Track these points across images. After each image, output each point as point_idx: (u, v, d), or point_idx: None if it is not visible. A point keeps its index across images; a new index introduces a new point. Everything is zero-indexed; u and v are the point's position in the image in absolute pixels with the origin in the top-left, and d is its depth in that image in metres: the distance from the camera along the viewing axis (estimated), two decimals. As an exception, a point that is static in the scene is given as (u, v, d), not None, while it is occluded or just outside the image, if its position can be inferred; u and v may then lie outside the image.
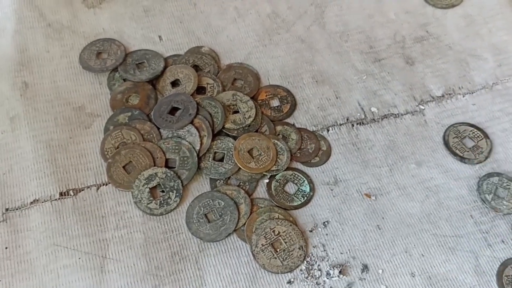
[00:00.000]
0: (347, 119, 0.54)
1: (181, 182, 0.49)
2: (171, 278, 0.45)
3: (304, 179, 0.50)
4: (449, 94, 0.56)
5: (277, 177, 0.50)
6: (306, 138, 0.53)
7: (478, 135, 0.54)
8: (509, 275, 0.46)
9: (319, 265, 0.46)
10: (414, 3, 0.63)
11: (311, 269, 0.46)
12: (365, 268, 0.46)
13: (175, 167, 0.49)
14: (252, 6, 0.61)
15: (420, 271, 0.46)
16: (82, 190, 0.48)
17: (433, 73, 0.58)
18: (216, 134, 0.51)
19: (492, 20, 0.62)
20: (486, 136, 0.54)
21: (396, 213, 0.49)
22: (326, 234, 0.48)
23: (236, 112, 0.53)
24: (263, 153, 0.50)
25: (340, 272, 0.46)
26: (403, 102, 0.56)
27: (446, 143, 0.53)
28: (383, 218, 0.49)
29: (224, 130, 0.52)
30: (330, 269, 0.46)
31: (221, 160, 0.50)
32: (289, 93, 0.56)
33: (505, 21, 0.61)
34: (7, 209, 0.47)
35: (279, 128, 0.53)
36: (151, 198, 0.48)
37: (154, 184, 0.48)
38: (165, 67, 0.55)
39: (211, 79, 0.55)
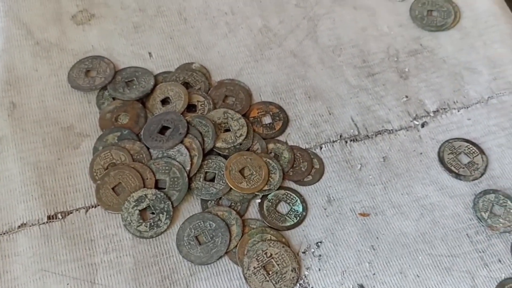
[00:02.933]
0: (340, 136, 0.53)
1: (172, 203, 0.48)
2: (161, 303, 0.44)
3: (297, 198, 0.49)
4: (444, 109, 0.56)
5: (269, 196, 0.49)
6: (298, 156, 0.52)
7: (473, 150, 0.53)
8: (506, 296, 0.45)
9: (312, 287, 0.45)
10: (407, 16, 0.62)
11: (304, 292, 0.45)
12: (359, 290, 0.45)
13: (165, 188, 0.49)
14: (243, 21, 0.61)
15: (416, 293, 0.45)
16: (71, 213, 0.48)
17: (427, 87, 0.57)
18: (207, 154, 0.51)
19: (486, 32, 0.61)
20: (481, 151, 0.53)
21: (391, 233, 0.48)
22: (320, 255, 0.47)
23: (228, 130, 0.52)
24: (255, 173, 0.50)
25: (334, 294, 0.45)
26: (397, 117, 0.55)
27: (441, 160, 0.52)
28: (377, 238, 0.48)
29: (215, 149, 0.51)
30: (324, 291, 0.45)
31: (212, 180, 0.49)
32: (281, 109, 0.55)
33: (500, 33, 0.61)
34: (-6, 234, 0.46)
35: (271, 146, 0.52)
36: (141, 221, 0.47)
37: (144, 206, 0.48)
38: (155, 85, 0.54)
39: (202, 96, 0.54)
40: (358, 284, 0.45)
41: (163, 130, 0.51)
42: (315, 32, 0.61)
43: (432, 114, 0.55)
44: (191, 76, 0.56)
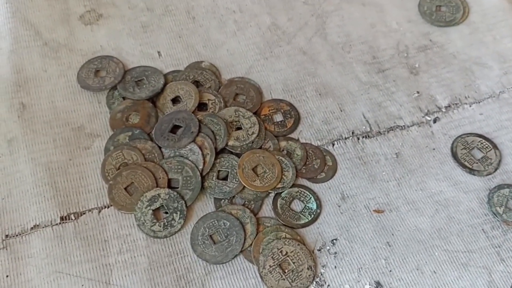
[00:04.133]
0: (352, 133, 0.53)
1: (185, 202, 0.48)
2: (177, 303, 0.43)
3: (311, 196, 0.49)
4: (456, 104, 0.55)
5: (283, 194, 0.49)
6: (311, 154, 0.51)
7: (486, 145, 0.52)
8: (524, 291, 0.45)
9: (329, 285, 0.45)
10: (415, 12, 0.62)
11: (320, 290, 0.45)
12: (377, 287, 0.45)
13: (178, 187, 0.48)
14: (251, 19, 0.60)
15: (433, 289, 0.45)
16: (84, 213, 0.47)
17: (438, 83, 0.57)
18: (219, 152, 0.50)
19: (495, 27, 0.61)
20: (494, 146, 0.52)
21: (406, 229, 0.48)
22: (335, 253, 0.47)
23: (239, 128, 0.52)
24: (268, 170, 0.49)
25: (350, 292, 0.45)
26: (408, 113, 0.55)
27: (454, 155, 0.52)
28: (392, 234, 0.48)
29: (227, 148, 0.51)
30: (340, 289, 0.45)
31: (225, 178, 0.49)
32: (293, 107, 0.54)
33: (509, 28, 0.60)
34: (7, 236, 0.46)
35: (283, 143, 0.52)
36: (155, 220, 0.47)
37: (157, 206, 0.47)
38: (165, 84, 0.54)
39: (213, 95, 0.54)
40: (374, 281, 0.45)
41: (174, 129, 0.51)
42: (324, 29, 0.60)
43: (444, 110, 0.55)
44: (201, 75, 0.55)
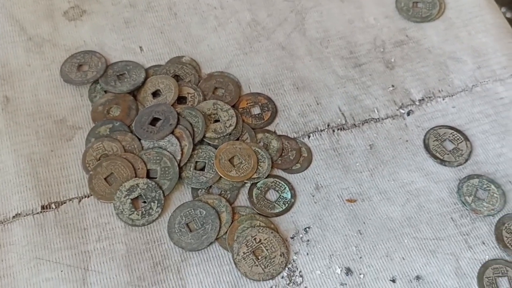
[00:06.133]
0: (328, 125, 0.55)
1: (163, 192, 0.49)
2: (153, 288, 0.45)
3: (285, 186, 0.51)
4: (429, 97, 0.57)
5: (258, 184, 0.50)
6: (287, 145, 0.53)
7: (458, 137, 0.54)
8: (490, 277, 0.46)
9: (300, 271, 0.46)
10: (393, 8, 0.63)
11: (292, 276, 0.46)
12: (347, 273, 0.46)
13: (156, 178, 0.50)
14: (232, 15, 0.62)
15: (401, 274, 0.46)
16: (64, 203, 0.49)
17: (413, 77, 0.58)
18: (197, 144, 0.52)
19: (471, 22, 0.62)
20: (466, 138, 0.54)
21: (377, 218, 0.49)
22: (308, 240, 0.48)
23: (217, 121, 0.53)
24: (244, 161, 0.51)
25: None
26: (383, 106, 0.56)
27: (426, 147, 0.53)
28: (364, 223, 0.49)
29: (205, 139, 0.52)
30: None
31: (202, 169, 0.51)
32: (270, 100, 0.56)
33: (484, 23, 0.62)
34: (-11, 224, 0.47)
35: (260, 135, 0.53)
36: (133, 209, 0.48)
37: (136, 195, 0.49)
38: (146, 78, 0.55)
39: (192, 88, 0.55)
40: (345, 267, 0.47)
41: (154, 121, 0.52)
42: (303, 25, 0.62)
43: (417, 103, 0.56)
44: (181, 69, 0.57)
